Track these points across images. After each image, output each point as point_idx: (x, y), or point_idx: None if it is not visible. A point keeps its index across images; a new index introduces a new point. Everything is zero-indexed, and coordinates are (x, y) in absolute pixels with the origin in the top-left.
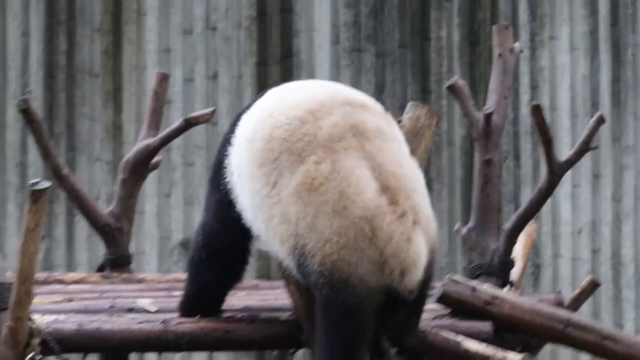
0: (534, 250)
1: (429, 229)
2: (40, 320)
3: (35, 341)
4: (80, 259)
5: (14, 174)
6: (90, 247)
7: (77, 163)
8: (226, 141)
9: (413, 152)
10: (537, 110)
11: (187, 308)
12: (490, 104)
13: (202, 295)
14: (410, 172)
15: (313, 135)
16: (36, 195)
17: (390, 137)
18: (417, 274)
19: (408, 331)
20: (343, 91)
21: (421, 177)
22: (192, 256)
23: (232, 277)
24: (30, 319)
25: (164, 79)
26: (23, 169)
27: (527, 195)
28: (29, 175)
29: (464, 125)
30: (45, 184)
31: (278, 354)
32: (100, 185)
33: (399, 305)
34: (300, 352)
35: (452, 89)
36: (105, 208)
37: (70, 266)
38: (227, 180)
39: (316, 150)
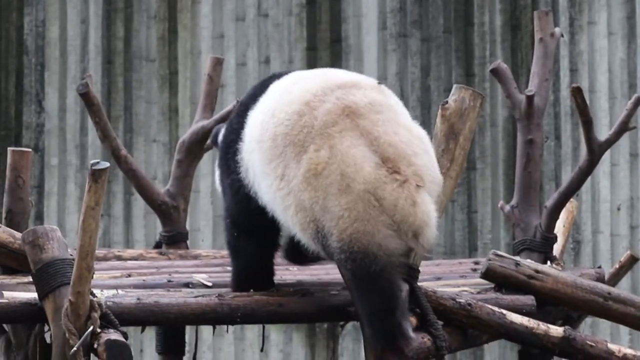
0: (575, 226)
1: (436, 185)
2: (101, 294)
3: (96, 315)
4: (137, 236)
5: (74, 155)
6: (147, 225)
7: (134, 144)
8: (235, 132)
9: (458, 132)
10: (577, 92)
11: (239, 286)
12: (532, 86)
13: (249, 271)
14: (408, 138)
15: (311, 126)
16: (96, 175)
17: (385, 107)
18: (430, 233)
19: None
20: (334, 76)
21: (423, 136)
22: (227, 238)
23: (268, 247)
24: (91, 294)
25: (218, 63)
26: (82, 150)
27: (567, 174)
28: (88, 156)
29: (506, 106)
30: (105, 164)
31: (328, 326)
32: (156, 166)
33: None
34: (350, 325)
35: (496, 72)
36: (162, 187)
37: (128, 243)
38: (241, 175)
39: (315, 139)
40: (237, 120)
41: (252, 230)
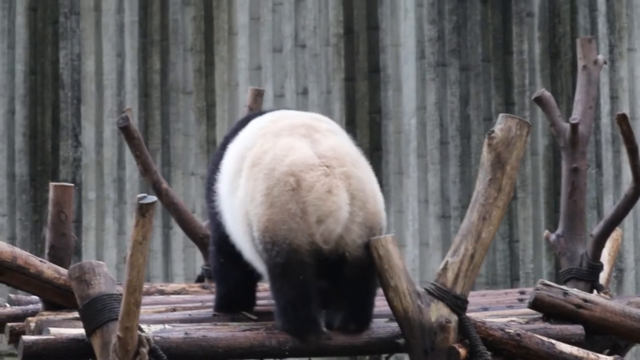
0: (617, 254)
1: (362, 198)
2: (148, 329)
3: (144, 350)
4: (176, 269)
5: (111, 189)
6: (186, 259)
7: (172, 177)
8: (215, 164)
9: (505, 162)
10: (623, 120)
11: (222, 307)
12: (576, 114)
13: (232, 295)
14: (353, 155)
15: (267, 131)
16: (144, 209)
17: (345, 137)
18: (334, 225)
19: (356, 310)
20: (313, 114)
21: (371, 172)
22: (214, 264)
23: (251, 275)
24: (139, 329)
25: (258, 95)
26: (120, 184)
27: (609, 202)
28: (125, 190)
29: (546, 135)
30: (152, 198)
31: (370, 359)
32: (195, 199)
33: (344, 278)
34: (393, 357)
35: (539, 100)
36: (201, 221)
37: (167, 277)
38: (216, 204)
39: (266, 137)
40: (218, 152)
41: (234, 258)
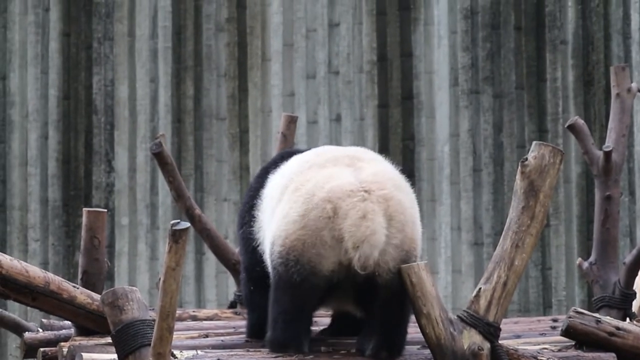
0: None
1: (401, 220)
2: (180, 355)
3: None
4: (209, 295)
5: (144, 215)
6: (219, 284)
7: (205, 203)
8: (254, 191)
9: (538, 189)
10: None
11: (255, 334)
12: (610, 142)
13: (264, 321)
14: (396, 180)
15: (313, 164)
16: (177, 235)
17: (388, 165)
18: (369, 250)
19: (387, 333)
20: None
21: (412, 196)
22: (245, 291)
23: None
24: (172, 355)
25: (292, 121)
26: (153, 209)
27: None
28: (158, 216)
29: (579, 163)
30: (185, 224)
31: None
32: (227, 225)
33: (377, 299)
34: None
35: (573, 128)
36: (234, 247)
37: (200, 303)
38: (254, 229)
39: (311, 169)
40: (257, 181)
41: (264, 285)
